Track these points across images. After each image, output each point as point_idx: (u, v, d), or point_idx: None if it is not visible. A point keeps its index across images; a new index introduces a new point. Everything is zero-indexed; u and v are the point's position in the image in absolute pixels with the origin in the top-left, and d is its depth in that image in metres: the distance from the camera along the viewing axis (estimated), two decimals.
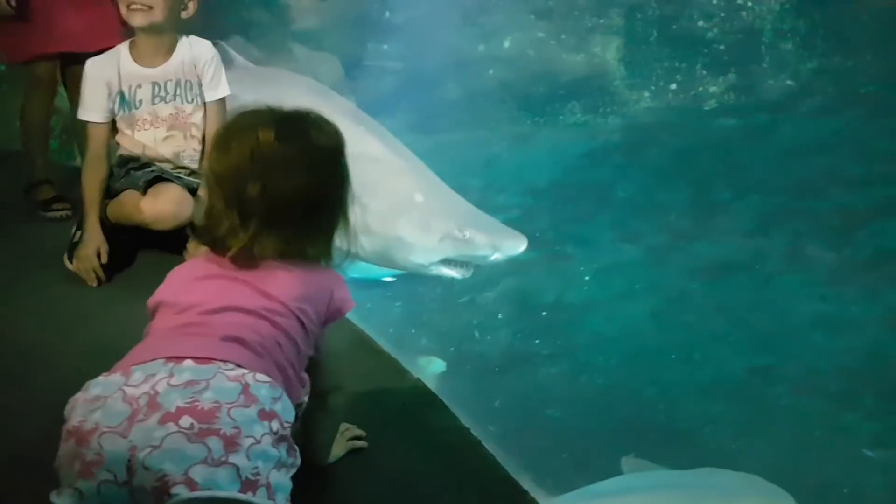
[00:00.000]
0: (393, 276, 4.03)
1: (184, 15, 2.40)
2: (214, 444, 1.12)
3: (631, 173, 4.84)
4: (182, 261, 1.54)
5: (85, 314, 2.19)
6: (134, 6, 2.28)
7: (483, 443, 1.78)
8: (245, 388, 1.18)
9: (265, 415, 1.18)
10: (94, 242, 2.32)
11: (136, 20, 2.30)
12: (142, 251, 2.47)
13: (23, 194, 2.99)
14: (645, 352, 4.04)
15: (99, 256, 2.31)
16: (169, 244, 2.33)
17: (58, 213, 2.87)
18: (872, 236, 4.49)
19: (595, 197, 4.70)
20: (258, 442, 1.15)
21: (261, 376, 1.21)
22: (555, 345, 4.04)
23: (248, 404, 1.17)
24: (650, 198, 4.76)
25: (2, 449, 1.61)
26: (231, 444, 1.13)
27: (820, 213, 4.68)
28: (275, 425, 1.19)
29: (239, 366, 1.21)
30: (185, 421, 1.13)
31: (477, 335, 3.99)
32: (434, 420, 1.80)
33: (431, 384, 2.13)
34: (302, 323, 1.32)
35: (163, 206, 2.31)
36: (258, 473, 1.14)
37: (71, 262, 2.38)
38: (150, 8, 2.28)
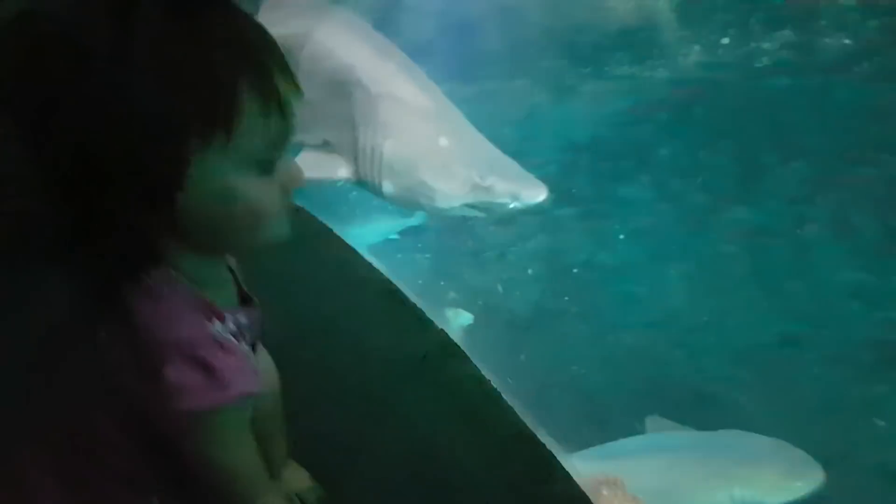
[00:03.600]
0: (398, 233, 4.10)
1: None
2: None
3: (675, 131, 4.70)
4: None
5: None
6: None
7: (503, 396, 1.78)
8: None
9: None
10: None
11: None
12: None
13: None
14: (676, 314, 3.99)
15: None
16: None
17: None
18: None
19: (636, 155, 4.59)
20: None
21: None
22: (584, 303, 4.01)
23: None
24: (693, 157, 4.64)
25: None
26: None
27: (868, 181, 4.51)
28: None
29: None
30: None
31: (505, 290, 3.97)
32: (455, 371, 1.81)
33: (457, 336, 2.13)
34: None
35: None
36: None
37: None
38: None
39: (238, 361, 0.99)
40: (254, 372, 1.04)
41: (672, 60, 4.83)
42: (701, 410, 3.46)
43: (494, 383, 1.80)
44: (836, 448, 3.28)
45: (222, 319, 0.99)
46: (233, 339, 1.00)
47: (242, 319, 1.05)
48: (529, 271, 4.06)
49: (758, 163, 4.63)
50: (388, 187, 3.24)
